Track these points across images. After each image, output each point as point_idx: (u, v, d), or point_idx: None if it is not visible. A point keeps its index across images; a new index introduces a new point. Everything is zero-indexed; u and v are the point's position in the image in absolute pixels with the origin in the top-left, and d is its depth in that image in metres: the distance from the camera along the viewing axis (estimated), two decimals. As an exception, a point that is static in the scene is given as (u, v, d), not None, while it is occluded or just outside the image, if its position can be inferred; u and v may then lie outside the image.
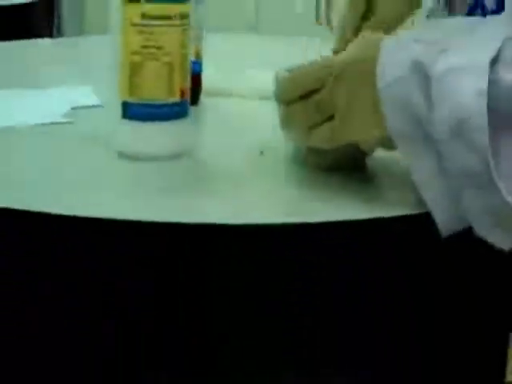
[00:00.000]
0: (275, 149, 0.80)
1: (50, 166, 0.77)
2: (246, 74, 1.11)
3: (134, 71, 0.75)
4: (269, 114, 0.79)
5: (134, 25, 0.74)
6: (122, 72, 0.76)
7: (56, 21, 1.87)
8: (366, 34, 0.73)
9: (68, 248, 0.66)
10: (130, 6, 0.74)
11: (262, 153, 0.81)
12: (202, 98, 1.02)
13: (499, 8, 1.04)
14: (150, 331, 0.68)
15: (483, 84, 0.60)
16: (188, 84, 0.79)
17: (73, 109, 0.93)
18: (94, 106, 0.95)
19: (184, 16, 0.76)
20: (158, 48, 0.75)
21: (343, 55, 0.71)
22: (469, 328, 0.75)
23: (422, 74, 0.64)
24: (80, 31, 2.40)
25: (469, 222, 0.63)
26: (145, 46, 0.75)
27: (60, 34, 2.05)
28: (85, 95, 0.99)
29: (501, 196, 0.60)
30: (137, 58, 0.75)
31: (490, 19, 0.68)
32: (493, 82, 0.61)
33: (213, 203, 0.68)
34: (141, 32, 0.74)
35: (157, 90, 0.76)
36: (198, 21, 0.99)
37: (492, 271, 0.74)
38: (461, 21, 0.69)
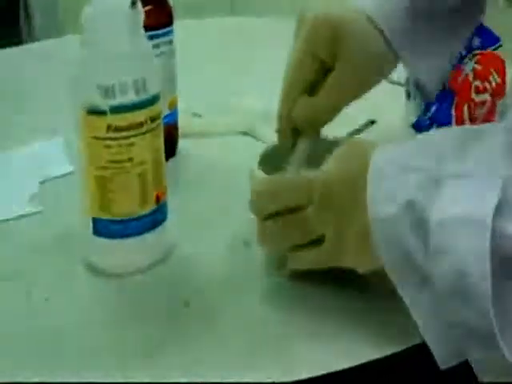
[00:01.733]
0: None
1: None
2: (224, 106, 1.03)
3: (102, 187, 0.67)
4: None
5: (99, 138, 0.66)
6: (89, 187, 0.68)
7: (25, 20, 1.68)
8: (349, 145, 0.66)
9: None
10: (91, 118, 0.66)
11: (246, 244, 0.75)
12: (180, 143, 0.95)
13: (485, 43, 0.95)
14: None
15: (485, 244, 0.54)
16: (164, 184, 0.71)
17: (41, 183, 0.86)
18: (66, 175, 0.87)
19: (155, 118, 0.68)
20: (129, 160, 0.67)
21: (326, 170, 0.65)
22: None
23: (417, 215, 0.58)
24: (57, 30, 2.11)
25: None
26: (113, 161, 0.67)
27: (31, 36, 1.86)
28: (55, 156, 0.90)
29: (503, 356, 0.55)
30: (105, 173, 0.67)
31: (484, 131, 0.61)
32: (499, 236, 0.55)
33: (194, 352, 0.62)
34: (107, 146, 0.66)
35: (129, 204, 0.68)
36: (170, 72, 0.90)
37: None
38: (451, 134, 0.62)
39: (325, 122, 0.75)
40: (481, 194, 0.56)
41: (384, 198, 0.59)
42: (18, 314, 0.66)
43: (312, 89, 0.74)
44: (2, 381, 0.60)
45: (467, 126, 0.64)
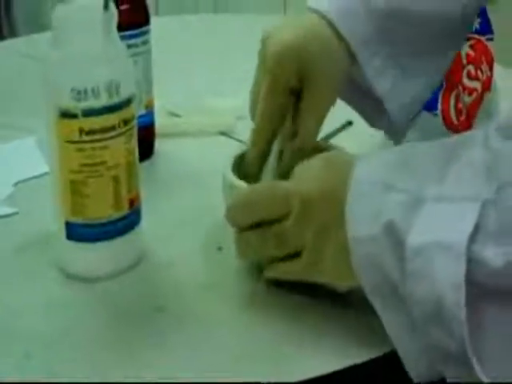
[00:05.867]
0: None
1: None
2: (202, 105, 1.03)
3: (75, 191, 0.66)
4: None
5: (71, 142, 0.65)
6: (62, 191, 0.67)
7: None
8: (329, 156, 0.66)
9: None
10: (63, 121, 0.65)
11: (220, 248, 0.74)
12: (157, 144, 0.94)
13: (483, 29, 0.95)
14: None
15: (461, 272, 0.54)
16: (138, 187, 0.70)
17: (15, 185, 0.85)
18: (42, 175, 0.85)
19: (128, 121, 0.67)
20: (101, 163, 0.66)
21: (305, 182, 0.64)
22: None
23: (396, 236, 0.57)
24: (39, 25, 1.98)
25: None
26: (86, 164, 0.66)
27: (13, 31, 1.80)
28: (30, 157, 0.89)
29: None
30: (78, 177, 0.66)
31: (465, 146, 0.59)
32: (475, 262, 0.54)
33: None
34: (80, 149, 0.65)
35: (102, 208, 0.67)
36: (146, 72, 0.89)
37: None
38: (433, 152, 0.61)
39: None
40: (458, 219, 0.55)
41: (364, 217, 0.59)
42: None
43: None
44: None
45: (449, 138, 0.63)
